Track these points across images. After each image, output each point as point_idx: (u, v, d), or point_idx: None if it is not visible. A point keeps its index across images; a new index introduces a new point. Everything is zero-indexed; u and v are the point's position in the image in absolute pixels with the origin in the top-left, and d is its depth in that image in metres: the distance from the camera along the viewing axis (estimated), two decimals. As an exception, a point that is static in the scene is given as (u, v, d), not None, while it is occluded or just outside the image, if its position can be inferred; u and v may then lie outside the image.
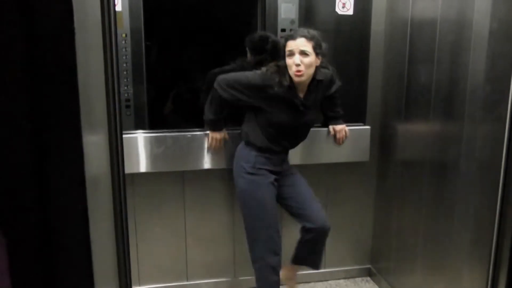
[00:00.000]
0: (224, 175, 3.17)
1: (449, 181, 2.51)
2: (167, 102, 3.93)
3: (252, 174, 2.76)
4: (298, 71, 2.56)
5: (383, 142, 3.32)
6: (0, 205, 0.98)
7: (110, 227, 1.49)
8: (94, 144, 1.18)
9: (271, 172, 2.78)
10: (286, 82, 2.60)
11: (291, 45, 2.57)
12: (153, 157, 3.00)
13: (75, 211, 1.04)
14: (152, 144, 3.00)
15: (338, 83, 2.96)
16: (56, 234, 1.04)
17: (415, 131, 2.88)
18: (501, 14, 2.05)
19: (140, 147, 3.00)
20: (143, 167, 3.00)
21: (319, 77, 2.71)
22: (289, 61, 2.59)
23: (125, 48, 3.28)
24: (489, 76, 2.14)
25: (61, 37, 0.96)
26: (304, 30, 2.61)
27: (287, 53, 2.60)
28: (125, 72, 3.23)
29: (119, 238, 1.54)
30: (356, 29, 3.15)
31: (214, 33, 3.86)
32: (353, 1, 3.08)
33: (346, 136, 3.18)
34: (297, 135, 2.86)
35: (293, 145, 2.89)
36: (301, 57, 2.55)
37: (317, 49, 2.58)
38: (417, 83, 2.80)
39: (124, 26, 3.20)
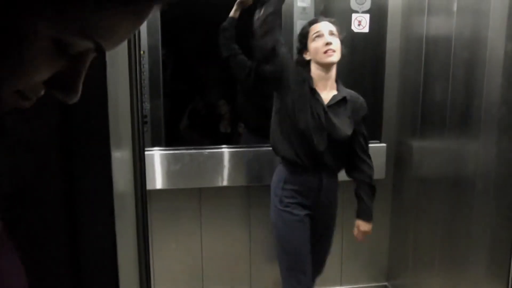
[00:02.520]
0: (241, 192, 3.19)
1: (465, 199, 2.50)
2: (183, 117, 3.98)
3: (280, 209, 2.55)
4: (330, 49, 2.38)
5: (398, 159, 3.32)
6: (32, 219, 1.01)
7: (132, 241, 1.51)
8: (119, 161, 1.21)
9: (303, 205, 2.53)
10: (311, 80, 2.45)
11: (318, 26, 2.44)
12: (170, 174, 3.03)
13: (104, 236, 1.07)
14: (169, 161, 3.04)
15: (365, 110, 2.61)
16: (85, 259, 1.06)
17: (430, 148, 2.89)
18: None
19: (157, 164, 3.03)
20: (159, 183, 3.04)
21: (343, 92, 2.50)
22: (316, 44, 2.42)
23: (143, 65, 3.34)
24: (505, 96, 2.14)
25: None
26: (325, 18, 2.50)
27: (313, 36, 2.44)
28: (143, 88, 3.29)
29: (141, 255, 1.56)
30: (371, 46, 3.18)
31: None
32: (369, 19, 3.11)
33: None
34: (328, 149, 2.47)
35: (323, 161, 2.49)
36: (331, 37, 2.40)
37: (341, 34, 2.47)
38: (432, 100, 2.81)
39: (142, 43, 3.27)
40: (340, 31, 2.46)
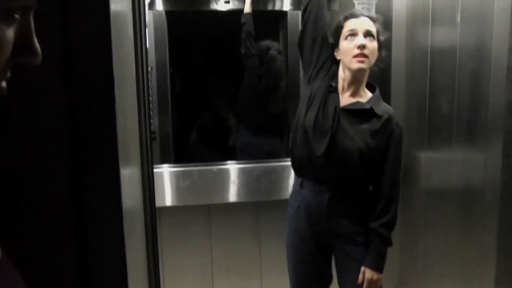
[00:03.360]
0: (250, 208, 3.20)
1: (474, 209, 2.49)
2: (192, 132, 4.01)
3: (290, 238, 2.35)
4: (362, 54, 2.06)
5: (406, 171, 3.31)
6: (41, 238, 1.02)
7: (142, 258, 1.52)
8: (128, 178, 1.22)
9: (314, 234, 2.25)
10: (335, 77, 2.21)
11: (353, 23, 2.11)
12: (179, 191, 3.05)
13: (113, 253, 1.08)
14: (179, 178, 3.05)
15: (397, 138, 2.18)
16: (94, 276, 1.07)
17: (438, 160, 2.88)
18: None
19: (166, 181, 3.05)
20: (169, 200, 3.05)
21: (372, 104, 2.14)
22: (348, 44, 2.10)
23: (151, 81, 3.39)
24: (509, 109, 2.13)
25: (100, 77, 1.02)
26: (364, 12, 2.20)
27: (345, 34, 2.12)
28: (151, 105, 3.33)
29: (151, 272, 1.57)
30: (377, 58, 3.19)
31: (237, 62, 3.95)
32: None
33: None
34: (331, 158, 2.13)
35: (327, 174, 2.16)
36: (366, 39, 2.08)
37: (379, 37, 2.15)
38: (439, 112, 2.81)
39: (150, 60, 3.31)
40: (381, 31, 2.16)
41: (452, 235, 2.72)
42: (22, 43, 0.50)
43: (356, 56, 2.06)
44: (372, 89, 2.25)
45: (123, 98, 1.16)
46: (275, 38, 4.06)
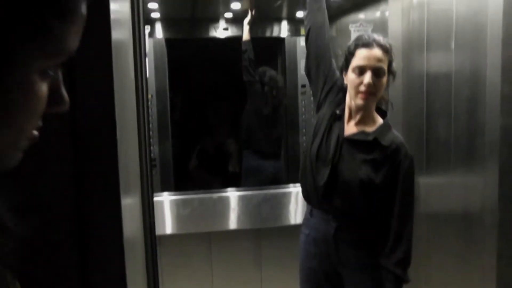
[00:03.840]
0: (251, 235, 3.19)
1: (474, 234, 2.49)
2: (192, 158, 4.04)
3: (301, 264, 2.32)
4: (368, 92, 1.98)
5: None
6: (42, 264, 1.03)
7: (143, 287, 1.52)
8: (129, 207, 1.23)
9: (322, 262, 2.22)
10: (340, 104, 2.15)
11: (364, 57, 1.99)
12: (179, 219, 3.05)
13: (115, 282, 1.09)
14: (179, 206, 3.06)
15: (405, 171, 2.05)
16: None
17: (437, 185, 2.89)
18: (511, 74, 2.08)
19: (167, 209, 3.05)
20: (169, 229, 3.05)
21: (379, 134, 2.06)
22: (355, 78, 2.00)
23: (151, 108, 3.42)
24: (504, 137, 2.13)
25: (101, 107, 1.04)
26: (379, 37, 2.03)
27: (354, 66, 2.02)
28: (151, 132, 3.36)
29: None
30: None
31: (236, 88, 4.01)
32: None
33: None
34: (334, 189, 2.09)
35: (333, 204, 2.12)
36: (375, 77, 1.98)
37: (390, 66, 2.05)
38: (436, 137, 2.83)
39: (150, 88, 3.36)
40: (391, 60, 2.06)
41: (453, 259, 2.72)
42: (52, 94, 0.54)
43: (360, 92, 1.99)
44: (383, 114, 2.19)
45: (124, 127, 1.18)
46: (274, 64, 4.12)
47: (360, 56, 2.00)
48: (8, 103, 0.48)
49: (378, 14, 3.48)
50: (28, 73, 0.49)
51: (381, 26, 3.30)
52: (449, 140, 2.67)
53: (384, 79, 2.02)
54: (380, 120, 2.14)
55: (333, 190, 2.08)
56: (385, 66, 2.01)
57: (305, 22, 2.30)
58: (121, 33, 1.26)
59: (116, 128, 1.03)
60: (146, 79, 1.61)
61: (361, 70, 1.98)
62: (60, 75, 0.55)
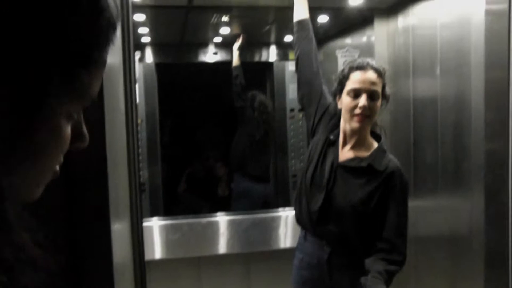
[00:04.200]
0: (240, 259, 3.18)
1: (463, 257, 2.50)
2: (181, 181, 4.04)
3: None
4: (363, 115, 1.95)
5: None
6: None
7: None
8: (118, 233, 1.24)
9: (316, 287, 2.19)
10: (335, 130, 2.13)
11: (358, 80, 1.97)
12: (168, 244, 3.04)
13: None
14: (168, 231, 3.05)
15: (400, 187, 2.03)
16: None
17: (425, 208, 2.91)
18: (493, 101, 2.11)
19: (156, 234, 3.04)
20: (158, 254, 3.03)
21: (374, 159, 2.03)
22: (349, 102, 1.98)
23: (141, 133, 3.43)
24: (489, 163, 2.16)
25: (92, 134, 1.05)
26: (373, 62, 2.04)
27: (349, 89, 2.00)
28: (140, 157, 3.37)
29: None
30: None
31: (225, 113, 4.04)
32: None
33: None
34: (327, 215, 2.07)
35: (327, 229, 2.09)
36: (370, 100, 1.96)
37: (384, 90, 2.03)
38: (424, 161, 2.86)
39: (140, 113, 3.37)
40: (385, 84, 2.05)
41: (441, 282, 2.72)
42: (75, 133, 0.58)
43: (355, 115, 1.96)
44: (377, 139, 2.15)
45: (114, 155, 1.19)
46: (263, 88, 4.17)
47: (355, 79, 1.99)
48: (36, 144, 0.52)
49: (364, 39, 3.54)
50: (56, 118, 0.52)
51: (368, 51, 3.35)
52: (436, 164, 2.70)
53: (379, 103, 2.00)
54: (375, 144, 2.11)
55: (327, 216, 2.06)
56: (379, 90, 1.99)
57: (294, 50, 2.33)
58: (111, 58, 1.28)
59: (107, 157, 1.04)
60: (136, 105, 1.63)
61: (356, 93, 1.96)
62: (81, 115, 0.59)
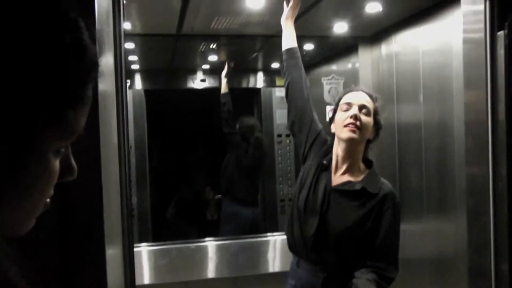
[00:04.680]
0: (229, 283, 3.18)
1: (448, 280, 2.53)
2: (170, 206, 4.05)
3: None
4: (354, 124, 1.98)
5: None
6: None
7: None
8: (111, 258, 1.26)
9: None
10: (328, 156, 2.13)
11: (351, 96, 2.06)
12: (157, 269, 3.04)
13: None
14: (157, 256, 3.05)
15: (392, 210, 2.05)
16: None
17: (411, 231, 2.94)
18: (473, 127, 2.16)
19: (145, 260, 3.04)
20: (147, 279, 3.03)
21: (367, 183, 2.04)
22: (341, 115, 2.03)
23: (129, 159, 3.44)
24: (469, 187, 2.16)
25: (87, 165, 1.08)
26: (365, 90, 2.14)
27: (341, 107, 2.06)
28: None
29: None
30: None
31: (213, 138, 4.08)
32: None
33: None
34: (323, 239, 2.06)
35: (322, 255, 2.07)
36: (361, 112, 2.01)
37: (376, 116, 2.08)
38: (409, 186, 2.91)
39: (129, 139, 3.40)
40: (377, 111, 2.10)
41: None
42: (63, 167, 0.60)
43: (347, 125, 1.98)
44: (369, 165, 2.17)
45: (107, 182, 1.22)
46: (250, 114, 4.22)
47: (347, 96, 2.07)
48: (26, 179, 0.54)
49: (349, 65, 3.62)
50: (44, 154, 0.55)
51: (353, 77, 3.42)
52: (421, 188, 2.75)
53: (370, 120, 2.03)
54: (366, 170, 2.13)
55: (322, 241, 2.05)
56: (370, 107, 2.04)
57: (284, 78, 2.35)
58: (105, 86, 1.32)
59: (102, 186, 1.07)
60: (128, 131, 1.65)
61: (347, 107, 2.02)
62: (69, 149, 0.62)
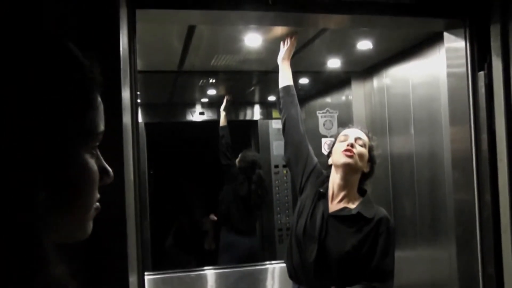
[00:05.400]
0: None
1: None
2: (168, 236, 4.11)
3: None
4: (349, 150, 2.13)
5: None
6: None
7: None
8: (132, 285, 1.35)
9: None
10: (324, 184, 2.27)
11: (347, 131, 2.25)
12: (159, 298, 3.08)
13: None
14: (159, 285, 3.09)
15: (387, 233, 2.15)
16: None
17: (406, 258, 2.99)
18: (459, 159, 2.27)
19: (147, 289, 3.09)
20: (149, 308, 3.07)
21: (362, 210, 2.15)
22: (339, 145, 2.20)
23: (145, 187, 3.53)
24: (458, 216, 2.27)
25: (113, 194, 1.17)
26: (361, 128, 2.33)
27: (339, 138, 2.25)
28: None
29: None
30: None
31: (211, 169, 4.17)
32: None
33: None
34: (323, 265, 2.13)
35: (324, 281, 2.14)
36: (355, 143, 2.18)
37: (371, 151, 2.25)
38: (403, 214, 2.99)
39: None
40: (372, 148, 2.26)
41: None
42: (99, 169, 0.66)
43: (344, 151, 2.13)
44: (363, 194, 2.28)
45: (129, 210, 1.31)
46: (248, 145, 4.34)
47: (345, 131, 2.26)
48: (71, 178, 0.60)
49: (343, 98, 3.74)
50: (79, 153, 0.62)
51: (346, 109, 3.54)
52: (414, 217, 2.82)
53: (365, 151, 2.19)
54: (361, 198, 2.25)
55: (322, 267, 2.12)
56: (366, 141, 2.21)
57: (281, 114, 2.49)
58: (126, 118, 1.42)
59: (126, 216, 1.16)
60: (140, 160, 1.72)
61: (345, 137, 2.20)
62: (99, 153, 0.68)
